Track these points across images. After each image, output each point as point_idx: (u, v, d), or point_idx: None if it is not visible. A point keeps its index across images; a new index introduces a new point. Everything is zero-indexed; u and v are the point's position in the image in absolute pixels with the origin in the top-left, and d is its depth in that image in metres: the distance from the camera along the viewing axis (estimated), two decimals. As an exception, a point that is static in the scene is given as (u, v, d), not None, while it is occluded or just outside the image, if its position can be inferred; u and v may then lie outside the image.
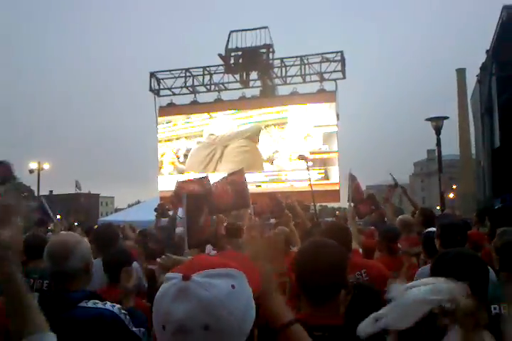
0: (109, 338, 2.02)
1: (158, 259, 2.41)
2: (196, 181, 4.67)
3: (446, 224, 3.62)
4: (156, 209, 7.51)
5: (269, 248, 1.37)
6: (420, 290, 1.33)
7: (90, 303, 2.07)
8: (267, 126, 16.51)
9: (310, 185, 9.04)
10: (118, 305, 2.15)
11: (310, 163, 15.08)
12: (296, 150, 15.74)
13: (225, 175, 4.39)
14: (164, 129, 17.68)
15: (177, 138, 17.55)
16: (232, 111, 17.00)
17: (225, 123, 17.00)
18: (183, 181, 5.00)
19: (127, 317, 2.12)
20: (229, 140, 16.75)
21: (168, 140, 17.63)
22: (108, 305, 2.11)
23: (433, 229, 4.21)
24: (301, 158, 12.60)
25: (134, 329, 2.12)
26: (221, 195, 3.88)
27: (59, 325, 1.94)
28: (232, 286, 0.97)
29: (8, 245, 1.41)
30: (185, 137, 17.42)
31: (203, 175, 4.86)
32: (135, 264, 4.28)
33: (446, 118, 12.81)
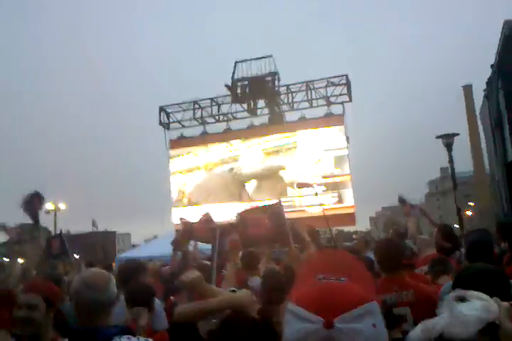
0: None
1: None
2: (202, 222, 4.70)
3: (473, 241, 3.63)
4: (172, 243, 7.53)
5: None
6: (473, 306, 1.33)
7: (124, 339, 2.03)
8: (277, 151, 16.62)
9: (323, 209, 9.00)
10: (151, 339, 2.13)
11: (322, 188, 15.17)
12: (307, 175, 15.79)
13: (261, 205, 4.33)
14: (182, 160, 17.93)
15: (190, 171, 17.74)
16: (240, 140, 17.17)
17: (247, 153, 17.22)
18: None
19: None
20: (248, 177, 16.98)
21: (189, 171, 17.85)
22: (142, 339, 2.08)
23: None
24: (301, 186, 12.61)
25: None
26: (257, 226, 3.79)
27: None
28: (374, 325, 0.89)
29: None
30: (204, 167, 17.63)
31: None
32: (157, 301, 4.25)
33: (456, 134, 12.79)
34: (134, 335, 2.10)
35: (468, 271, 2.02)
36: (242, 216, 3.76)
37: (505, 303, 1.33)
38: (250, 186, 16.91)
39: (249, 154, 17.02)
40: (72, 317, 3.03)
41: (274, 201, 4.45)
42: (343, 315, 0.87)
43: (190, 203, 17.46)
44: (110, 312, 2.15)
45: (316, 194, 9.88)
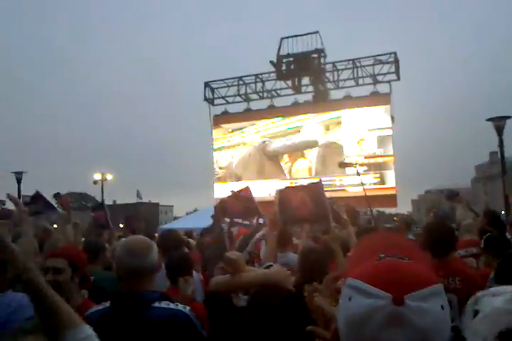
0: (182, 338, 2.04)
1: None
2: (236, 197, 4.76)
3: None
4: (212, 216, 7.66)
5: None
6: (500, 300, 1.29)
7: (163, 304, 2.08)
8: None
9: (364, 190, 8.94)
10: (188, 307, 2.16)
11: (363, 168, 14.98)
12: (349, 155, 15.64)
13: (303, 183, 4.33)
14: (226, 136, 18.12)
15: (233, 147, 17.91)
16: (280, 118, 17.12)
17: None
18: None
19: (197, 319, 2.13)
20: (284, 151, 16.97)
21: (232, 147, 18.03)
22: (180, 306, 2.12)
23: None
24: (343, 165, 12.48)
25: (203, 332, 2.14)
26: (299, 204, 3.79)
27: (134, 324, 2.03)
28: (442, 307, 0.87)
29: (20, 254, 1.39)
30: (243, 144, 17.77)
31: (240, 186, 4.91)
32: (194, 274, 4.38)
33: (508, 117, 12.30)
34: (173, 302, 2.15)
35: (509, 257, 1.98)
36: (282, 194, 3.76)
37: None
38: (290, 163, 16.91)
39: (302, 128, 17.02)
40: (109, 283, 3.17)
41: (315, 180, 4.42)
42: (413, 292, 0.84)
43: (232, 179, 17.66)
44: (151, 278, 2.19)
45: (359, 174, 9.78)
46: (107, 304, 2.13)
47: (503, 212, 14.16)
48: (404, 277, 0.87)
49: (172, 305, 2.10)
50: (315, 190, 3.76)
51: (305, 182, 4.12)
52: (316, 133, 16.65)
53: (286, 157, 16.91)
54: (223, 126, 18.02)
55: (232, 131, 17.92)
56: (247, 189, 4.75)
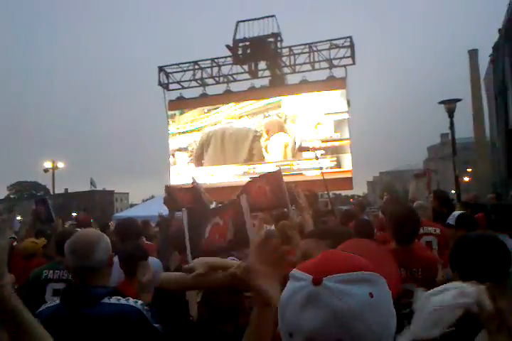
0: (132, 334, 2.00)
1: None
2: (189, 189, 4.60)
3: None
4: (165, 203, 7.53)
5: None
6: (446, 296, 1.32)
7: (113, 299, 2.06)
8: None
9: (322, 173, 9.00)
10: (141, 301, 2.13)
11: (321, 151, 15.12)
12: (306, 139, 15.73)
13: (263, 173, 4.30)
14: (181, 121, 17.76)
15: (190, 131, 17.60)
16: (240, 103, 16.93)
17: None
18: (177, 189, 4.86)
19: (149, 313, 2.09)
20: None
21: (187, 132, 17.69)
22: (131, 301, 2.09)
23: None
24: (302, 149, 12.58)
25: (156, 325, 2.09)
26: (258, 194, 3.84)
27: (81, 321, 1.99)
28: (370, 294, 0.85)
29: None
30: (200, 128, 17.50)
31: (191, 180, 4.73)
32: (151, 259, 4.29)
33: (458, 100, 12.67)
34: (124, 296, 2.11)
35: (466, 239, 2.00)
36: (244, 187, 3.80)
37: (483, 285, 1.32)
38: (245, 148, 16.78)
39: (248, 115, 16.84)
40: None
41: (274, 169, 4.42)
42: (335, 274, 0.85)
43: (188, 164, 17.45)
44: (102, 273, 2.16)
45: (317, 158, 9.84)
46: (58, 301, 2.09)
47: (453, 191, 14.66)
48: (331, 262, 0.89)
49: (122, 301, 2.06)
50: (274, 178, 3.81)
51: (264, 173, 4.11)
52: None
53: (265, 134, 16.67)
54: (178, 110, 17.67)
55: (188, 113, 17.59)
56: (278, 172, 4.19)
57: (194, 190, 4.47)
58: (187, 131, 17.52)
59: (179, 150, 17.62)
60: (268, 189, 3.74)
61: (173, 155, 17.72)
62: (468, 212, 7.22)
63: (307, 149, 12.35)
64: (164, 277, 2.28)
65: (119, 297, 2.08)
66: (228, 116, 17.02)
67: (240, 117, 16.87)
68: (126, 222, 4.56)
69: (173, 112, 17.68)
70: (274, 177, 3.84)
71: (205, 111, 17.30)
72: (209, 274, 1.99)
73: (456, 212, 4.53)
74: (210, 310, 2.29)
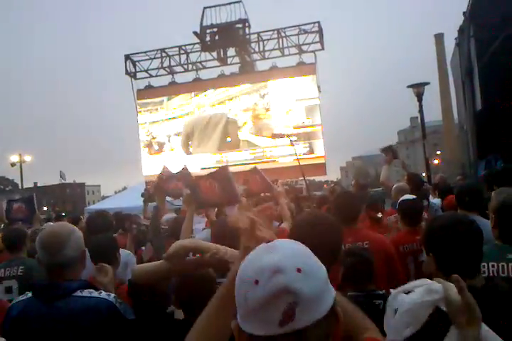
0: (105, 327, 2.00)
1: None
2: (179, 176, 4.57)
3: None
4: (142, 195, 7.43)
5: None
6: (414, 294, 1.33)
7: (85, 292, 2.06)
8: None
9: (298, 160, 8.98)
10: (113, 294, 2.14)
11: (294, 138, 15.12)
12: (278, 125, 15.71)
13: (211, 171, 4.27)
14: (150, 110, 17.44)
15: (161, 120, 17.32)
16: (210, 90, 16.72)
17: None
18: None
19: (122, 305, 2.10)
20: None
21: (157, 121, 17.40)
22: (104, 294, 2.09)
23: (408, 196, 4.30)
24: (276, 136, 12.58)
25: (129, 318, 2.10)
26: (207, 190, 3.84)
27: (54, 314, 1.99)
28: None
29: None
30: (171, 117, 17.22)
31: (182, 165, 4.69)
32: (122, 252, 4.22)
33: (426, 84, 12.83)
34: (97, 289, 2.11)
35: (440, 220, 2.00)
36: (191, 180, 3.81)
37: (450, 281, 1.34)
38: (216, 136, 16.65)
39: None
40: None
41: (221, 166, 4.42)
42: None
43: (160, 153, 17.23)
44: (74, 268, 2.15)
45: (292, 144, 9.83)
46: (30, 294, 2.10)
47: (423, 174, 14.90)
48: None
49: (95, 294, 2.07)
50: (222, 174, 3.83)
51: (212, 170, 4.10)
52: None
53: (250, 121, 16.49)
54: (147, 99, 17.36)
55: (158, 103, 17.31)
56: (225, 168, 4.21)
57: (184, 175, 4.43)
58: (178, 116, 17.20)
59: (177, 134, 17.28)
60: (217, 186, 3.77)
61: (149, 144, 17.39)
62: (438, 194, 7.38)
63: (282, 135, 12.34)
64: (136, 270, 2.24)
65: (91, 290, 2.09)
66: (200, 105, 16.83)
67: (213, 105, 16.70)
68: (97, 216, 4.54)
69: (141, 101, 17.35)
70: (221, 174, 3.86)
71: (192, 95, 16.98)
72: (183, 258, 1.97)
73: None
74: (183, 304, 2.25)
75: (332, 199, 4.04)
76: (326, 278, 1.00)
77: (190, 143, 16.92)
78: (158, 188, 4.70)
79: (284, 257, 0.95)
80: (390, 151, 6.94)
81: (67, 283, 2.08)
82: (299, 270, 0.93)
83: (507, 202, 2.44)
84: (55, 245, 2.10)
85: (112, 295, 2.11)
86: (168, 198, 4.90)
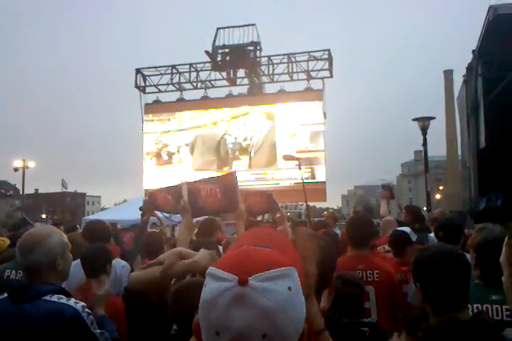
0: (64, 335, 1.97)
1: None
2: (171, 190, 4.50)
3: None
4: (141, 208, 7.41)
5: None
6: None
7: (54, 298, 2.03)
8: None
9: (302, 184, 8.97)
10: (82, 303, 2.09)
11: (295, 162, 15.09)
12: (282, 149, 15.72)
13: (214, 176, 4.23)
14: (157, 125, 17.50)
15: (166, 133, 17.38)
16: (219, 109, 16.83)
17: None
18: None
19: (90, 316, 2.06)
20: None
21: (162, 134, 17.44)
22: (72, 301, 2.06)
23: (403, 228, 4.31)
24: (287, 158, 12.60)
25: (96, 330, 2.06)
26: (208, 196, 3.76)
27: (19, 316, 1.97)
28: (289, 288, 0.90)
29: None
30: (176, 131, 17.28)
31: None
32: (117, 261, 4.17)
33: (432, 118, 12.87)
34: (68, 296, 2.09)
35: (428, 251, 1.97)
36: (190, 187, 3.71)
37: None
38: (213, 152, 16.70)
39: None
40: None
41: (230, 171, 4.37)
42: (258, 274, 0.88)
43: (170, 163, 17.25)
44: (45, 273, 2.13)
45: (300, 168, 9.82)
46: (5, 294, 2.09)
47: (425, 208, 14.83)
48: (252, 260, 0.92)
49: (64, 300, 2.04)
50: (229, 180, 3.74)
51: (218, 174, 4.05)
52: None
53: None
54: (154, 114, 17.48)
55: (164, 120, 17.40)
56: (233, 174, 4.02)
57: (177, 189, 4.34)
58: (188, 128, 17.29)
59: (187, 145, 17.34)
60: (219, 191, 3.67)
61: (157, 154, 17.41)
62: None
63: (293, 158, 12.32)
64: (133, 277, 2.24)
65: (61, 296, 2.06)
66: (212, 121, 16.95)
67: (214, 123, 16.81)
68: (95, 225, 4.51)
69: (148, 116, 17.45)
70: (229, 179, 3.76)
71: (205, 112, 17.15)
72: (176, 262, 1.99)
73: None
74: (175, 316, 2.21)
75: (346, 222, 3.92)
76: (298, 329, 0.92)
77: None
78: (148, 202, 4.65)
79: (253, 320, 0.86)
80: (388, 189, 7.19)
81: (40, 285, 2.07)
82: (264, 336, 0.87)
83: (488, 239, 2.30)
84: (27, 247, 2.12)
85: (81, 303, 2.07)
86: (165, 214, 4.86)
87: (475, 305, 2.24)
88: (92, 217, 20.65)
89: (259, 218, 5.91)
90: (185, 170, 16.45)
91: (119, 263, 4.11)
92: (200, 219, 4.94)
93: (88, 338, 2.00)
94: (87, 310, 2.06)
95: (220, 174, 15.56)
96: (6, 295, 2.09)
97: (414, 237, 4.08)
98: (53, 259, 2.15)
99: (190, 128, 17.16)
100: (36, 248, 2.10)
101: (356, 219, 3.72)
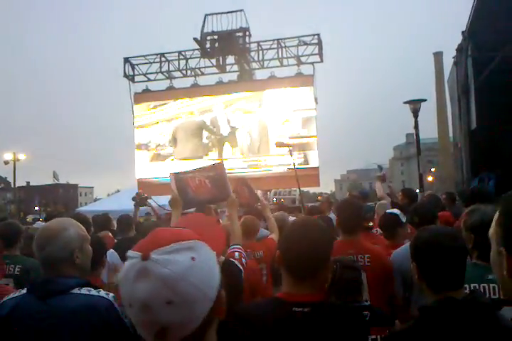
0: (102, 326, 1.93)
1: None
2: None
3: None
4: (133, 199, 7.42)
5: None
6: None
7: (84, 290, 1.99)
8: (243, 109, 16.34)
9: (294, 170, 8.96)
10: (112, 294, 2.06)
11: (291, 148, 15.09)
12: (273, 135, 15.68)
13: (204, 165, 4.19)
14: (147, 113, 17.33)
15: (156, 123, 17.23)
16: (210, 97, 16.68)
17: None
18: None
19: (120, 307, 2.00)
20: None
21: (151, 124, 17.28)
22: (102, 292, 2.03)
23: (393, 210, 4.34)
24: (280, 145, 12.59)
25: (126, 319, 2.00)
26: (197, 187, 3.74)
27: (48, 311, 1.91)
28: (192, 258, 0.99)
29: None
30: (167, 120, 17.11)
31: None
32: (111, 253, 4.18)
33: (423, 100, 12.86)
34: (96, 288, 2.05)
35: (425, 233, 1.99)
36: (178, 179, 3.67)
37: None
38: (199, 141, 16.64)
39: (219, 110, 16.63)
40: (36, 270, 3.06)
41: (216, 162, 4.34)
42: (159, 248, 0.98)
43: (156, 158, 17.16)
44: (65, 266, 2.07)
45: (291, 154, 9.80)
46: (24, 291, 2.02)
47: (417, 190, 14.91)
48: (157, 238, 1.03)
49: (93, 292, 2.00)
50: (217, 170, 3.73)
51: (205, 165, 4.00)
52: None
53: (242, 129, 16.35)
54: (144, 103, 17.31)
55: (155, 107, 17.24)
56: (220, 164, 4.02)
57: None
58: (152, 124, 17.18)
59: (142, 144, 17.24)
60: (208, 181, 3.65)
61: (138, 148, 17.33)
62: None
63: (285, 145, 12.31)
64: None
65: (90, 288, 2.02)
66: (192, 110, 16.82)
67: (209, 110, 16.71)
68: (82, 217, 4.52)
69: (138, 105, 17.30)
70: (216, 168, 3.75)
71: (170, 105, 16.98)
72: None
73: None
74: None
75: (336, 208, 3.94)
76: (207, 295, 1.00)
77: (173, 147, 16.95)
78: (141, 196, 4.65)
79: (155, 289, 0.95)
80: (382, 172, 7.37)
81: (65, 279, 2.02)
82: (169, 302, 0.95)
83: (485, 221, 2.29)
84: (43, 241, 2.06)
85: (111, 294, 2.04)
86: (160, 203, 4.87)
87: (472, 285, 2.28)
88: (85, 208, 20.62)
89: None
90: (176, 163, 16.42)
91: (111, 254, 4.15)
92: (192, 210, 4.94)
93: (122, 328, 1.96)
94: (118, 300, 2.01)
95: (207, 162, 15.72)
96: (23, 292, 2.03)
97: (404, 219, 4.09)
98: (71, 253, 2.09)
99: (170, 119, 17.04)
100: (52, 242, 2.05)
101: (345, 204, 3.68)
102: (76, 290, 1.98)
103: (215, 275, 1.05)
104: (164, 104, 17.10)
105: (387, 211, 4.49)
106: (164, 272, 0.95)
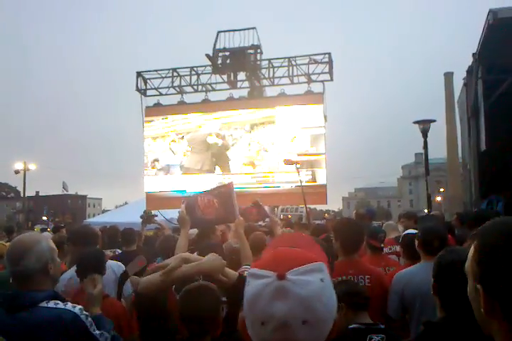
0: (67, 339, 1.98)
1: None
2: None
3: (427, 228, 3.62)
4: (141, 216, 7.53)
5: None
6: None
7: (51, 303, 2.04)
8: (254, 125, 16.40)
9: (302, 187, 8.98)
10: (80, 306, 2.11)
11: (299, 166, 15.07)
12: (284, 152, 15.70)
13: (213, 186, 4.24)
14: (157, 127, 17.38)
15: (166, 136, 17.30)
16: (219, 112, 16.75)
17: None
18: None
19: (89, 318, 2.07)
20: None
21: (161, 137, 17.34)
22: (69, 305, 2.07)
23: (412, 231, 4.30)
24: (288, 162, 12.64)
25: (96, 332, 2.06)
26: (205, 207, 3.78)
27: (16, 325, 1.96)
28: (321, 280, 1.06)
29: None
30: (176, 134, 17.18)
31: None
32: (113, 263, 4.19)
33: (433, 121, 12.90)
34: (63, 301, 2.09)
35: (448, 256, 1.99)
36: (188, 201, 3.73)
37: None
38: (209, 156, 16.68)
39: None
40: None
41: (226, 182, 4.40)
42: (294, 269, 1.03)
43: (164, 171, 17.18)
44: (37, 280, 2.12)
45: (298, 171, 9.83)
46: None
47: (425, 210, 14.82)
48: (287, 258, 1.07)
49: (60, 305, 2.04)
50: (226, 191, 3.77)
51: (216, 186, 4.06)
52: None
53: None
54: (155, 117, 17.43)
55: (166, 121, 17.33)
56: (230, 185, 4.04)
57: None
58: (161, 136, 17.24)
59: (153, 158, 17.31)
60: (217, 202, 3.69)
61: (147, 161, 17.40)
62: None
63: (293, 162, 12.35)
64: (144, 282, 2.25)
65: (57, 301, 2.06)
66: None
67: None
68: (81, 230, 4.57)
69: (149, 118, 17.43)
70: (226, 190, 3.79)
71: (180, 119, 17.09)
72: (180, 266, 2.08)
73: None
74: (185, 320, 2.23)
75: (334, 227, 3.93)
76: (333, 314, 1.06)
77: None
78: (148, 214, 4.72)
79: (293, 308, 0.98)
80: (372, 213, 7.41)
81: (33, 293, 2.06)
82: (304, 322, 0.99)
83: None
84: (15, 255, 2.11)
85: (78, 306, 2.08)
86: (167, 217, 4.92)
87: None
88: (93, 219, 20.67)
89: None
90: (185, 174, 16.46)
91: (114, 264, 4.17)
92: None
93: (89, 340, 2.02)
94: (85, 312, 2.07)
95: (215, 176, 15.77)
96: None
97: None
98: (45, 264, 2.16)
99: (180, 133, 17.10)
100: (27, 254, 2.10)
101: (345, 225, 3.66)
102: (44, 304, 2.02)
103: (334, 296, 1.10)
104: (175, 118, 17.22)
105: (407, 232, 4.45)
106: (302, 292, 1.00)
